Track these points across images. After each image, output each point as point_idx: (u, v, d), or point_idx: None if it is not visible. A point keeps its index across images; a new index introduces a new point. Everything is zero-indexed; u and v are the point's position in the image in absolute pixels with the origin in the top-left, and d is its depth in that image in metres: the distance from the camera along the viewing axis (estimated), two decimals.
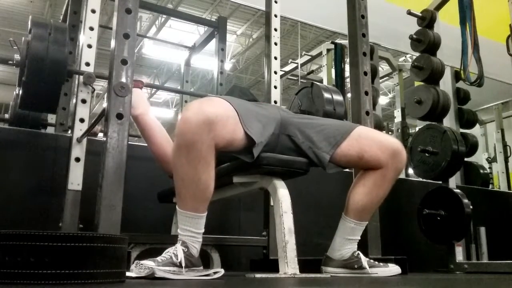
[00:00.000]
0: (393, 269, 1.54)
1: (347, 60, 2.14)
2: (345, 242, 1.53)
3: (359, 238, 1.55)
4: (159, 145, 1.78)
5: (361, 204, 1.51)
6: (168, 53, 9.22)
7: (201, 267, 1.35)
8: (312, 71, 6.01)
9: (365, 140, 1.50)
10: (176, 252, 1.28)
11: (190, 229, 1.33)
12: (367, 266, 1.49)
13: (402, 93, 4.36)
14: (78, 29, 2.54)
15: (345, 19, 2.01)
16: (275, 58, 2.35)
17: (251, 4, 3.57)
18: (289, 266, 1.37)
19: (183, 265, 1.26)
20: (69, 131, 1.97)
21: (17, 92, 2.39)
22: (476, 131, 4.52)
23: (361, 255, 1.52)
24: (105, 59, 1.41)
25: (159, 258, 1.27)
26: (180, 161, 1.27)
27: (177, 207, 1.36)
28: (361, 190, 1.52)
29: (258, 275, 1.36)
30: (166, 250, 1.31)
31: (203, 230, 1.36)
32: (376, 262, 1.54)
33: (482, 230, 2.93)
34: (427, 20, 2.80)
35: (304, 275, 1.39)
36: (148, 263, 1.24)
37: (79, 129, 1.80)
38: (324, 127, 1.54)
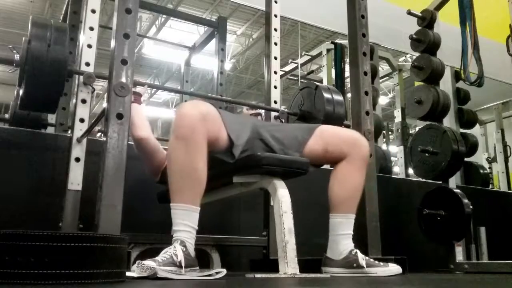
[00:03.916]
0: (393, 269, 1.54)
1: (347, 60, 2.14)
2: (338, 238, 1.55)
3: (352, 232, 1.57)
4: (155, 164, 1.88)
5: (338, 196, 1.58)
6: (168, 53, 9.21)
7: (198, 267, 1.35)
8: (312, 71, 6.01)
9: (327, 134, 1.63)
10: (176, 252, 1.28)
11: (188, 223, 1.35)
12: (364, 265, 1.49)
13: (402, 93, 4.35)
14: (78, 29, 2.54)
15: (345, 19, 2.01)
16: (275, 58, 2.35)
17: (251, 4, 3.56)
18: (289, 266, 1.37)
19: (183, 265, 1.26)
20: (69, 131, 1.97)
21: (17, 92, 2.39)
22: (476, 131, 4.52)
23: (359, 254, 1.53)
24: (105, 59, 1.41)
25: (159, 258, 1.27)
26: (178, 152, 1.35)
27: (172, 203, 1.38)
28: (335, 183, 1.59)
29: (258, 275, 1.36)
30: (165, 250, 1.31)
31: (197, 227, 1.38)
32: (376, 262, 1.54)
33: (482, 230, 2.94)
34: (427, 20, 2.80)
35: (304, 275, 1.39)
36: (149, 263, 1.24)
37: (79, 129, 1.80)
38: (291, 130, 1.68)
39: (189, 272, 1.28)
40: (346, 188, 1.57)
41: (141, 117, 1.85)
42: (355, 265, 1.50)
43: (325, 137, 1.62)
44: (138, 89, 1.94)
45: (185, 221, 1.35)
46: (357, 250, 1.54)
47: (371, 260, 1.54)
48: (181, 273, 1.25)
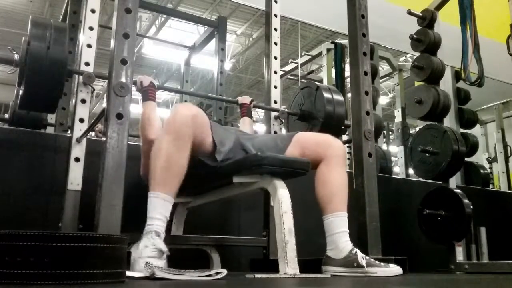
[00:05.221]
0: (394, 269, 1.54)
1: (347, 60, 2.13)
2: (334, 237, 1.58)
3: (346, 229, 1.59)
4: None
5: (323, 197, 1.63)
6: (168, 53, 9.20)
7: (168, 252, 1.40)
8: (312, 71, 6.00)
9: (303, 140, 1.74)
10: (157, 244, 1.35)
11: (164, 213, 1.43)
12: (364, 264, 1.51)
13: (402, 93, 4.35)
14: (78, 29, 2.54)
15: (345, 19, 2.01)
16: (275, 58, 2.35)
17: (251, 4, 3.56)
18: (289, 266, 1.37)
19: (166, 252, 1.35)
20: (69, 131, 1.97)
21: (17, 92, 2.38)
22: (476, 131, 4.52)
23: (358, 253, 1.54)
24: (105, 59, 1.41)
25: (149, 254, 1.32)
26: (167, 145, 1.46)
27: (152, 191, 1.44)
28: (318, 186, 1.66)
29: (258, 275, 1.36)
30: (145, 244, 1.36)
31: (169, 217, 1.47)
32: (377, 262, 1.54)
33: (483, 230, 2.93)
34: (427, 20, 2.79)
35: (304, 275, 1.39)
36: (150, 260, 1.28)
37: (79, 129, 1.80)
38: (271, 139, 1.81)
39: (189, 272, 1.28)
40: (329, 188, 1.63)
41: (157, 117, 1.85)
42: (355, 264, 1.51)
43: (301, 143, 1.72)
44: (146, 78, 1.91)
45: (162, 211, 1.43)
46: (357, 250, 1.55)
47: (372, 260, 1.54)
48: (180, 273, 1.25)
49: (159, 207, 1.43)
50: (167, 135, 1.47)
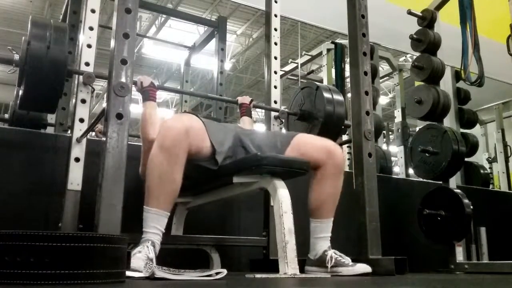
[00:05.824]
0: (358, 268, 1.57)
1: (347, 60, 2.13)
2: (315, 241, 1.66)
3: (329, 234, 1.65)
4: None
5: (312, 204, 1.67)
6: (168, 53, 9.20)
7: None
8: (312, 71, 5.99)
9: (303, 145, 1.70)
10: (148, 253, 1.37)
11: (159, 227, 1.46)
12: (331, 265, 1.57)
13: (402, 93, 4.35)
14: (78, 29, 2.54)
15: (345, 19, 2.01)
16: (275, 58, 2.35)
17: (251, 4, 3.56)
18: (289, 266, 1.37)
19: (155, 262, 1.35)
20: (69, 131, 1.97)
21: (17, 92, 2.38)
22: (476, 131, 4.51)
23: (329, 254, 1.59)
24: (105, 59, 1.41)
25: (137, 263, 1.32)
26: (160, 161, 1.46)
27: (147, 206, 1.47)
28: (310, 193, 1.69)
29: (258, 275, 1.36)
30: (136, 251, 1.37)
31: (164, 230, 1.49)
32: (346, 262, 1.58)
33: (483, 230, 2.93)
34: (427, 20, 2.79)
35: (304, 275, 1.39)
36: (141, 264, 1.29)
37: (79, 129, 1.80)
38: (270, 138, 1.79)
39: (189, 272, 1.28)
40: (321, 196, 1.66)
41: (158, 116, 1.85)
42: (328, 264, 1.58)
43: (300, 147, 1.69)
44: (146, 78, 1.90)
45: (157, 225, 1.46)
46: (331, 251, 1.60)
47: (341, 260, 1.59)
48: (179, 273, 1.25)
49: (154, 222, 1.46)
50: (159, 151, 1.46)
